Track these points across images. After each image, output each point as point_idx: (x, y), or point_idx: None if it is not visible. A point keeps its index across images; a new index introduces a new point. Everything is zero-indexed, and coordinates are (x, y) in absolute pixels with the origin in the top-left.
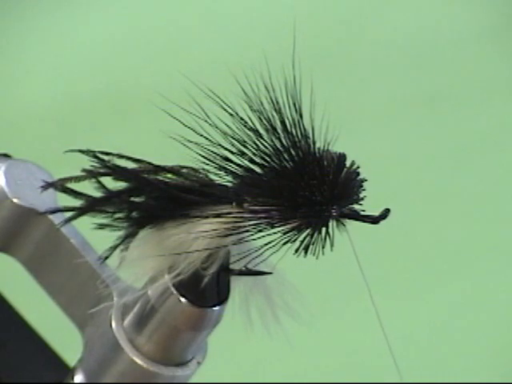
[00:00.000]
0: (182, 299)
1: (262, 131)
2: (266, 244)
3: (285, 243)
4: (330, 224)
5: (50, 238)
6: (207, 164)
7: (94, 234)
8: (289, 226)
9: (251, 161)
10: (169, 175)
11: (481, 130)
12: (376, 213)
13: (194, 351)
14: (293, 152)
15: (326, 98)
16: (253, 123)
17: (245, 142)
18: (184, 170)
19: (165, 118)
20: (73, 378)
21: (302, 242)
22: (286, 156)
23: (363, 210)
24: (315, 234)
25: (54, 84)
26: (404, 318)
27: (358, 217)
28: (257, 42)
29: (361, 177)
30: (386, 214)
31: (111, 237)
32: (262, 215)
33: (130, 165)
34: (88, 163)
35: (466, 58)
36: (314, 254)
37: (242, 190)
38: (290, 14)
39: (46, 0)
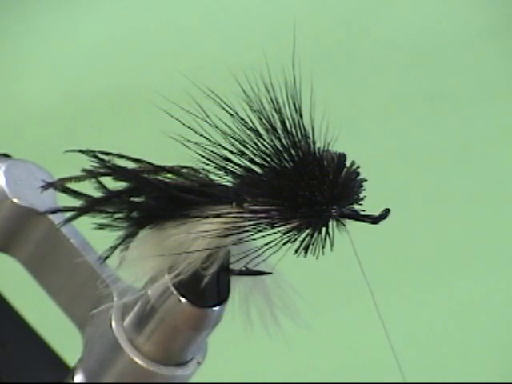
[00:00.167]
0: (182, 299)
1: (262, 131)
2: (266, 244)
3: (285, 243)
4: (330, 224)
5: (49, 238)
6: (207, 164)
7: (93, 234)
8: (289, 226)
9: (251, 161)
10: (169, 175)
11: (481, 129)
12: (376, 213)
13: (193, 351)
14: (293, 152)
15: (326, 98)
16: (253, 123)
17: (245, 142)
18: (184, 170)
19: (165, 118)
20: (73, 378)
21: (302, 242)
22: (286, 156)
23: (363, 210)
24: (315, 234)
25: (54, 84)
26: (404, 317)
27: (358, 217)
28: (257, 42)
29: (361, 177)
30: (386, 213)
31: (111, 237)
32: (262, 215)
33: (130, 165)
34: (88, 163)
35: (466, 58)
36: (313, 254)
37: (242, 190)
38: (290, 13)
39: (46, 0)
